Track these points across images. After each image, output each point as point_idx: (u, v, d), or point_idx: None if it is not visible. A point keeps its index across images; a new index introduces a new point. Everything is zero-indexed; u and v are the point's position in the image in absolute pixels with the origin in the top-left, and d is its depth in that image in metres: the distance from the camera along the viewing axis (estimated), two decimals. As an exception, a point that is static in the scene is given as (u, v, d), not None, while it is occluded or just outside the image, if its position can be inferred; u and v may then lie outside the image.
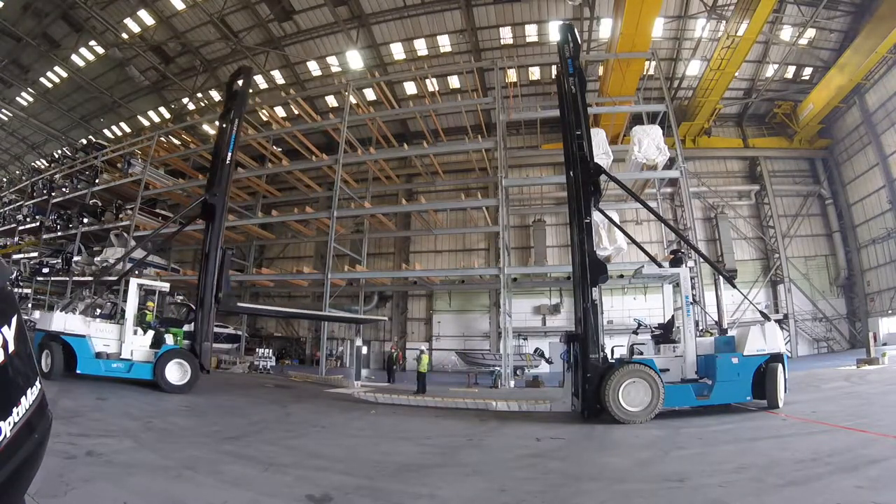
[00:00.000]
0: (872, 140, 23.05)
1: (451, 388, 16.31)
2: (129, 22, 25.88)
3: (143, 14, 25.35)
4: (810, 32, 23.10)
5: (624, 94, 22.25)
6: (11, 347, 1.55)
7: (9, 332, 1.55)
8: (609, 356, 8.84)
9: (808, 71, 25.38)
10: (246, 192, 29.19)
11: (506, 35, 24.71)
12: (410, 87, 26.93)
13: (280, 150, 27.40)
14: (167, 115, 32.29)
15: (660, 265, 9.50)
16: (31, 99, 32.83)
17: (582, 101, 9.84)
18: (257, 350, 21.16)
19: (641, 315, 25.06)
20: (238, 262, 29.34)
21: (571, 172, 9.59)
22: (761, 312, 9.37)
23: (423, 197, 25.22)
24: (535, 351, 22.81)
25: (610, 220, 11.31)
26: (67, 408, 7.99)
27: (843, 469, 4.37)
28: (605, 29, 23.18)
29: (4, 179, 40.15)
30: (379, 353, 28.22)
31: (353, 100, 22.82)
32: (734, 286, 10.41)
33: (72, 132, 34.74)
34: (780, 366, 8.06)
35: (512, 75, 24.04)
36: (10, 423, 1.51)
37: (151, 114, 32.52)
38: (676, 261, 9.44)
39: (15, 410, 1.54)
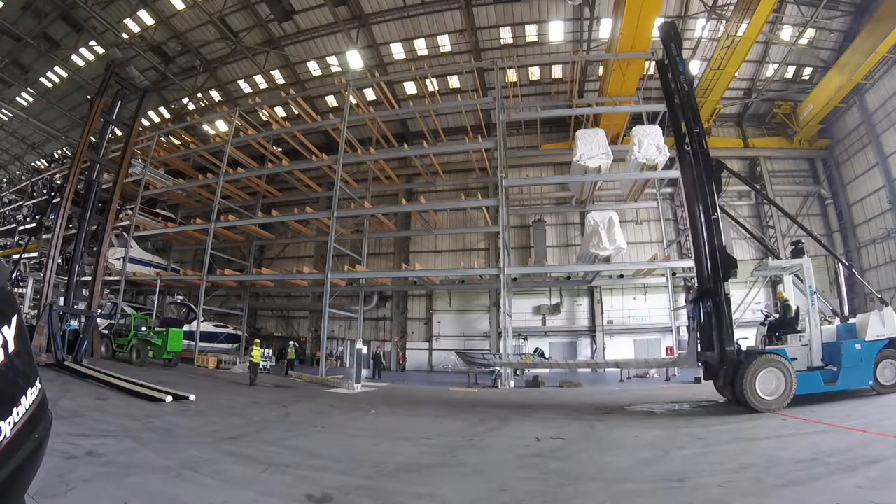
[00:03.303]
0: (872, 140, 23.03)
1: (451, 388, 16.33)
2: (129, 22, 25.88)
3: (143, 14, 25.36)
4: (810, 32, 23.09)
5: (624, 94, 22.27)
6: (11, 347, 1.55)
7: (9, 332, 1.56)
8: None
9: (808, 71, 25.38)
10: (246, 192, 29.23)
11: (506, 35, 24.70)
12: (410, 87, 26.92)
13: (280, 150, 27.44)
14: (167, 115, 32.31)
15: (777, 257, 9.59)
16: (31, 99, 32.84)
17: (693, 100, 9.90)
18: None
19: (642, 315, 25.24)
20: (238, 262, 29.39)
21: (690, 170, 9.55)
22: (879, 298, 9.36)
23: (423, 197, 25.23)
24: (536, 351, 22.85)
25: (727, 215, 10.90)
26: (67, 408, 7.99)
27: (843, 469, 4.37)
28: (605, 29, 23.18)
29: (4, 179, 40.16)
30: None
31: (353, 100, 22.84)
32: (855, 274, 10.71)
33: (72, 132, 34.69)
34: (893, 350, 8.27)
35: (512, 75, 24.05)
36: (10, 423, 1.51)
37: (151, 114, 32.51)
38: (798, 251, 9.51)
39: (15, 410, 1.54)
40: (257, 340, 15.51)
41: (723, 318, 8.61)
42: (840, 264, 9.88)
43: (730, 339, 8.51)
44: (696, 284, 9.87)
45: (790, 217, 10.80)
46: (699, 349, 9.27)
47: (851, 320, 9.06)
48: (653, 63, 21.39)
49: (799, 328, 9.20)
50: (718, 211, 9.05)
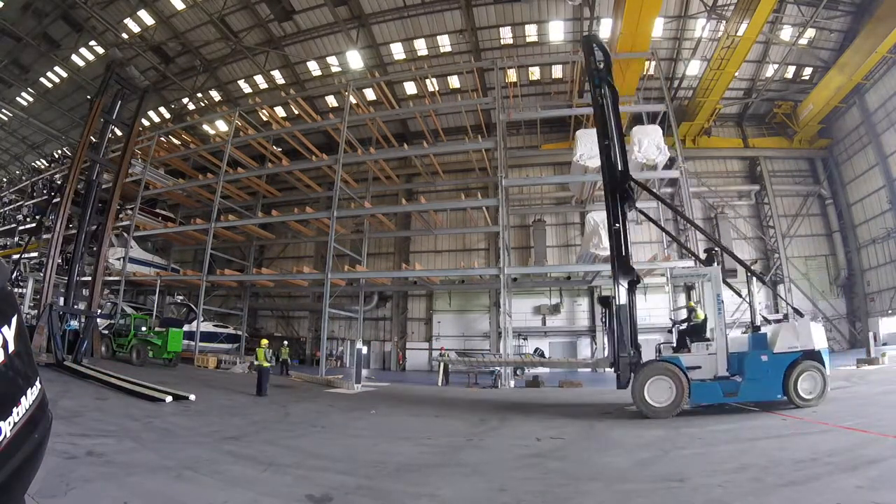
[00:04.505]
0: (872, 140, 23.04)
1: (450, 387, 16.33)
2: (129, 22, 25.89)
3: (143, 14, 25.36)
4: (810, 32, 23.09)
5: (624, 93, 22.11)
6: (11, 347, 1.55)
7: (9, 332, 1.55)
8: (657, 352, 9.04)
9: (808, 71, 25.38)
10: (246, 192, 29.22)
11: (506, 35, 24.71)
12: (410, 87, 26.93)
13: (280, 150, 27.43)
14: (167, 115, 32.31)
15: (705, 263, 9.45)
16: (31, 99, 32.85)
17: (614, 112, 9.92)
18: (257, 350, 21.10)
19: (641, 315, 25.17)
20: (238, 262, 29.39)
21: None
22: (794, 309, 9.26)
23: (423, 197, 25.22)
24: (535, 351, 22.88)
25: (650, 219, 11.16)
26: (68, 408, 8.00)
27: (843, 469, 4.37)
28: (605, 29, 23.16)
29: (4, 179, 40.15)
30: (379, 353, 28.26)
31: (353, 100, 22.83)
32: (764, 282, 10.31)
33: (72, 132, 34.69)
34: (814, 363, 8.01)
35: (512, 75, 24.05)
36: (10, 423, 1.51)
37: (151, 114, 32.51)
38: (709, 259, 9.43)
39: (15, 410, 1.54)
40: (265, 341, 13.84)
41: (620, 324, 8.58)
42: (750, 274, 9.57)
43: (623, 346, 8.48)
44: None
45: (699, 229, 10.68)
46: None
47: (763, 330, 8.89)
48: (653, 63, 21.49)
49: (707, 336, 9.04)
50: (620, 223, 9.08)
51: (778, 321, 9.59)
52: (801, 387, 7.97)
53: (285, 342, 24.24)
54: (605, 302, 9.33)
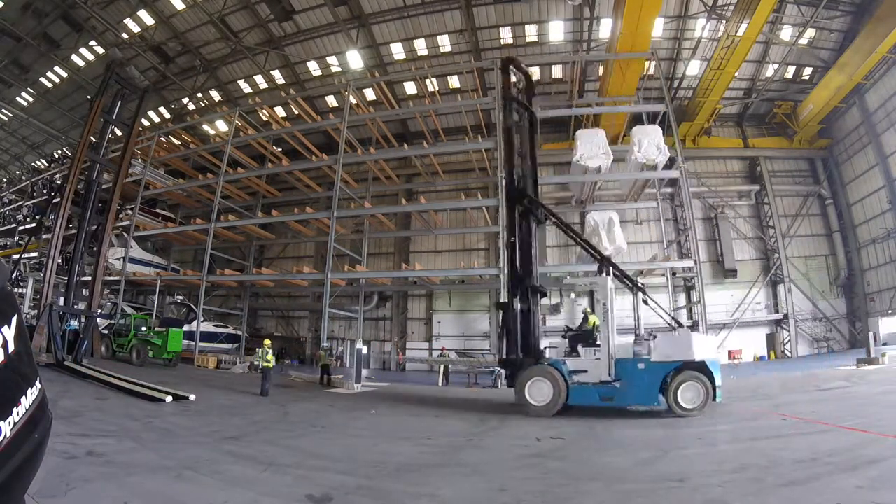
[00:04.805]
0: (872, 140, 23.03)
1: (450, 387, 16.33)
2: (129, 22, 25.88)
3: (143, 14, 25.35)
4: (810, 32, 23.08)
5: (624, 93, 22.25)
6: (11, 347, 1.55)
7: (9, 332, 1.55)
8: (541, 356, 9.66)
9: (808, 71, 25.37)
10: (246, 192, 29.21)
11: (506, 35, 24.69)
12: (410, 87, 26.91)
13: (280, 150, 27.42)
14: (167, 115, 32.30)
15: (598, 273, 9.80)
16: (31, 99, 32.85)
17: (529, 134, 10.94)
18: (257, 350, 21.10)
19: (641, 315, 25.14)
20: (238, 262, 29.39)
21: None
22: (674, 320, 9.41)
23: (423, 197, 25.21)
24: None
25: (563, 227, 11.01)
26: (68, 408, 8.00)
27: (843, 469, 4.37)
28: (605, 29, 23.17)
29: (4, 179, 40.15)
30: (379, 353, 28.23)
31: (353, 100, 22.82)
32: (645, 293, 9.75)
33: (72, 132, 34.69)
34: (696, 374, 8.10)
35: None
36: (10, 423, 1.51)
37: (151, 114, 32.51)
38: (599, 269, 9.72)
39: (15, 410, 1.54)
40: (268, 341, 13.66)
41: (510, 329, 9.39)
42: (631, 284, 9.63)
43: (512, 348, 9.18)
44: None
45: (585, 247, 10.60)
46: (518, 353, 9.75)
47: (646, 339, 9.07)
48: (653, 63, 21.48)
49: (597, 342, 9.29)
50: (516, 237, 9.84)
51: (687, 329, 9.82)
52: (681, 396, 8.12)
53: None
54: (501, 307, 9.97)
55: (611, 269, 9.37)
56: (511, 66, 11.23)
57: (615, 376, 8.68)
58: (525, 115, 11.09)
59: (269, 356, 12.52)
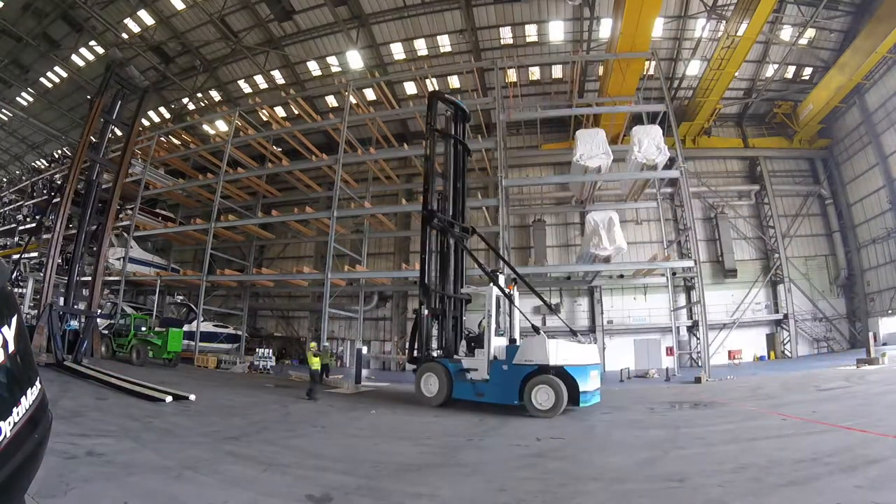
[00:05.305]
0: (872, 140, 23.04)
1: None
2: (129, 22, 25.87)
3: (143, 14, 25.34)
4: (810, 32, 23.09)
5: (624, 93, 22.25)
6: (11, 347, 1.55)
7: (9, 332, 1.56)
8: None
9: (808, 71, 25.38)
10: (246, 192, 29.21)
11: (506, 35, 24.69)
12: (410, 87, 26.90)
13: (280, 150, 27.41)
14: (167, 115, 32.30)
15: (489, 281, 10.94)
16: (31, 99, 32.84)
17: (454, 161, 12.45)
18: (257, 350, 21.13)
19: (641, 315, 25.27)
20: (238, 262, 29.39)
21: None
22: (533, 326, 9.78)
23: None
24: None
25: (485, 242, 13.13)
26: (67, 408, 7.99)
27: (843, 469, 4.37)
28: (605, 29, 23.17)
29: (4, 179, 40.15)
30: (379, 353, 28.22)
31: (353, 100, 22.81)
32: (510, 299, 10.44)
33: (72, 132, 34.69)
34: (551, 378, 8.61)
35: (512, 75, 24.03)
36: (10, 423, 1.51)
37: (151, 114, 32.51)
38: (490, 278, 10.94)
39: (15, 410, 1.54)
40: (313, 344, 13.35)
41: (419, 330, 10.93)
42: (507, 297, 10.46)
43: (422, 347, 10.79)
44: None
45: (495, 252, 13.93)
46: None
47: (517, 343, 9.77)
48: (653, 63, 21.48)
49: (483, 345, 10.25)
50: (428, 253, 11.38)
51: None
52: (535, 397, 8.72)
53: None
54: (415, 312, 11.25)
55: (498, 278, 10.79)
56: (437, 100, 12.90)
57: (490, 376, 9.67)
58: (451, 143, 12.74)
59: (315, 359, 12.65)
